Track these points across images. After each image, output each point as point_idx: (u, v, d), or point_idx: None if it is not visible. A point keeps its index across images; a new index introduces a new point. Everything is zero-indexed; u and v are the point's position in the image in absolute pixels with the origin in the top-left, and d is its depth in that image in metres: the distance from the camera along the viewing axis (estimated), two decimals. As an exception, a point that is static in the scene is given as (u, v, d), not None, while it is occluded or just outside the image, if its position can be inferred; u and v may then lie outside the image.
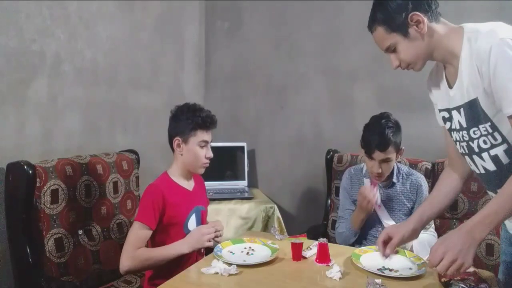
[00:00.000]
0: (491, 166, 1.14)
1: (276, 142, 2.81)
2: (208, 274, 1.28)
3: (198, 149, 1.57)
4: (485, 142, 1.11)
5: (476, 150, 1.14)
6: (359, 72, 2.53)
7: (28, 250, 1.51)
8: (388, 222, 1.77)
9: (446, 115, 1.22)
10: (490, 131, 1.09)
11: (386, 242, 1.33)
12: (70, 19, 1.92)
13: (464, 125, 1.15)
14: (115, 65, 2.19)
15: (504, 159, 1.10)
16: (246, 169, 2.73)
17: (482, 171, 1.17)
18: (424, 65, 1.19)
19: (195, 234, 1.51)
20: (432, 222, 1.81)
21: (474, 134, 1.13)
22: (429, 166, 2.07)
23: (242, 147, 2.74)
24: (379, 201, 1.71)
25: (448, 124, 1.23)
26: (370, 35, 2.80)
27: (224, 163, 2.75)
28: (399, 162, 1.98)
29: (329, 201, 2.34)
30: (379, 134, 1.64)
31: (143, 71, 2.40)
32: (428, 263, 1.16)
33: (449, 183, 1.35)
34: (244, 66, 2.89)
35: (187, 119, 1.55)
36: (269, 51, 2.80)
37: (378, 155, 1.66)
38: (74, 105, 1.97)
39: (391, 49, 1.18)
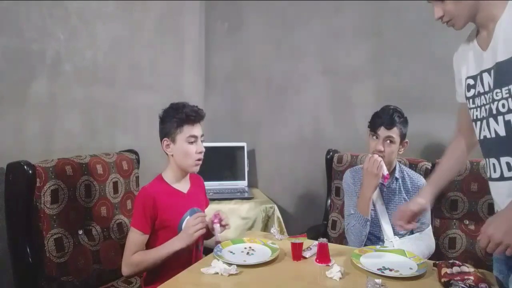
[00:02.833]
0: (502, 131, 1.15)
1: (276, 142, 2.81)
2: (208, 274, 1.28)
3: (187, 145, 1.53)
4: (503, 105, 1.13)
5: (494, 112, 1.16)
6: (359, 72, 2.53)
7: (28, 250, 1.51)
8: (384, 224, 1.76)
9: (472, 82, 1.25)
10: None
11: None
12: (70, 19, 1.92)
13: (492, 86, 1.17)
14: (115, 65, 2.20)
15: None
16: (246, 169, 2.73)
17: (493, 135, 1.18)
18: (464, 26, 1.20)
19: (184, 228, 1.49)
20: (430, 224, 1.82)
21: (496, 95, 1.15)
22: (429, 166, 2.07)
23: (242, 147, 2.74)
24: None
25: (472, 91, 1.25)
26: (370, 35, 2.81)
27: (224, 163, 2.76)
28: (399, 162, 1.99)
29: (329, 201, 2.34)
30: (386, 114, 1.74)
31: (143, 71, 2.40)
32: (478, 244, 1.17)
33: (460, 149, 1.43)
34: (244, 66, 2.89)
35: (172, 118, 1.54)
36: (269, 51, 2.80)
37: (382, 131, 1.73)
38: (74, 105, 1.97)
39: None
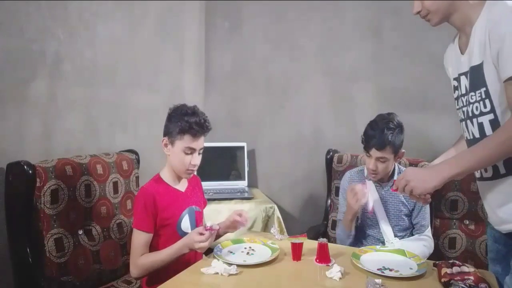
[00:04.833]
0: (477, 133, 1.20)
1: (276, 142, 2.81)
2: (208, 274, 1.28)
3: (183, 155, 1.50)
4: (476, 108, 1.17)
5: (470, 114, 1.21)
6: (359, 72, 2.53)
7: (28, 250, 1.51)
8: (384, 226, 1.76)
9: (455, 83, 1.29)
10: (484, 96, 1.14)
11: None
12: (70, 19, 1.92)
13: (468, 89, 1.21)
14: (115, 65, 2.19)
15: (488, 130, 1.15)
16: (246, 169, 2.73)
17: (471, 136, 1.23)
18: (440, 23, 1.24)
19: (189, 238, 1.43)
20: (429, 226, 1.81)
21: (471, 98, 1.19)
22: (429, 166, 2.07)
23: (242, 147, 2.74)
24: (370, 207, 1.69)
25: (456, 93, 1.29)
26: (370, 35, 2.81)
27: (224, 163, 2.76)
28: (399, 163, 1.98)
29: (329, 201, 2.34)
30: (378, 132, 1.68)
31: (143, 71, 2.40)
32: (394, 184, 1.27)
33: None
34: (244, 66, 2.89)
35: (177, 121, 1.49)
36: (269, 51, 2.80)
37: (374, 152, 1.70)
38: (74, 105, 1.97)
39: None
